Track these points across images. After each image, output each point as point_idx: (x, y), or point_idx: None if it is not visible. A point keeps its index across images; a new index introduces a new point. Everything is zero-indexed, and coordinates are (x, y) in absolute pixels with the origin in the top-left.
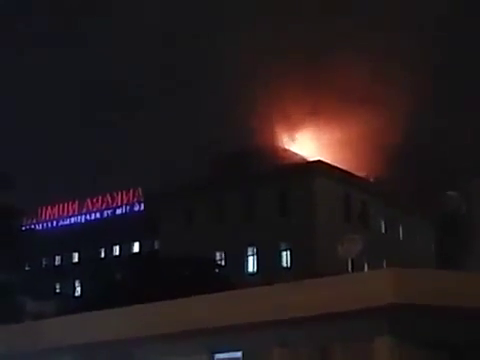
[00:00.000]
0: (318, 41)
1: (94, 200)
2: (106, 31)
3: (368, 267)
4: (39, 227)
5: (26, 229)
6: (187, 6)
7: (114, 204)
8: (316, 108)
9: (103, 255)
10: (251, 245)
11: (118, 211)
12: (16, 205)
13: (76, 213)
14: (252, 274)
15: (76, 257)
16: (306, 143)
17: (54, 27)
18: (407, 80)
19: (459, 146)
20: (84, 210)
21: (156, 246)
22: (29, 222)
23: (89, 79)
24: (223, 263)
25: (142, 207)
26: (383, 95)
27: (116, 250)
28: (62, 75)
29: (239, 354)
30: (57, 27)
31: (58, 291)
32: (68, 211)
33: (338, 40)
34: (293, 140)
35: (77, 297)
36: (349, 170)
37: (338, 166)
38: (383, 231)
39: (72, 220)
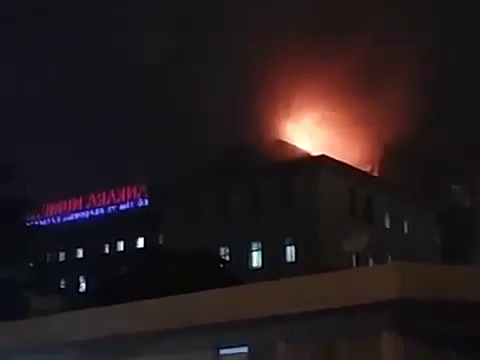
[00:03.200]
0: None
1: (98, 196)
2: (105, 22)
3: (373, 262)
4: (43, 223)
5: (30, 225)
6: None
7: (118, 200)
8: (317, 101)
9: (107, 251)
10: (256, 240)
11: (122, 207)
12: (21, 200)
13: (80, 209)
14: (257, 269)
15: (80, 253)
16: (308, 136)
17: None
18: (410, 73)
19: (463, 139)
20: (88, 206)
21: (160, 241)
22: (33, 218)
23: (95, 74)
24: (228, 258)
25: (146, 203)
26: (386, 88)
27: (120, 246)
28: (63, 68)
29: (245, 349)
30: (62, 20)
31: (62, 287)
32: (72, 207)
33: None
34: (295, 134)
35: (82, 293)
36: (352, 164)
37: (342, 160)
38: (388, 226)
39: (76, 216)
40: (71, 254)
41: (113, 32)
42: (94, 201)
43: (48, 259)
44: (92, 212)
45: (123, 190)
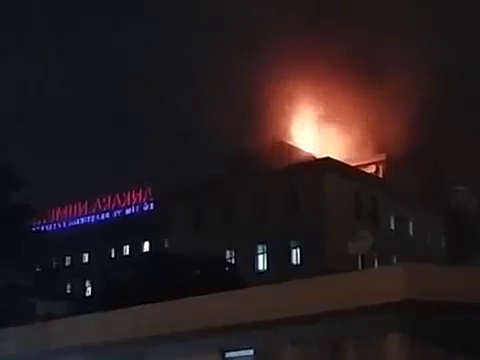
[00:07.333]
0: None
1: (104, 200)
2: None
3: (378, 263)
4: (49, 228)
5: (36, 230)
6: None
7: (124, 204)
8: (320, 103)
9: (113, 255)
10: (261, 243)
11: (128, 211)
12: (26, 205)
13: (86, 213)
14: (262, 272)
15: (86, 257)
16: (312, 139)
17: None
18: (415, 72)
19: (468, 139)
20: (94, 210)
21: (166, 245)
22: (39, 223)
23: (100, 77)
24: (233, 261)
25: (152, 206)
26: (391, 89)
27: (126, 250)
28: (71, 74)
29: (251, 352)
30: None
31: (69, 292)
32: (78, 211)
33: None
34: (300, 136)
35: (88, 297)
36: (356, 166)
37: (346, 163)
38: (393, 227)
39: (82, 220)
40: (77, 258)
41: (113, 38)
42: (99, 205)
43: (54, 264)
44: (98, 216)
45: (128, 194)
